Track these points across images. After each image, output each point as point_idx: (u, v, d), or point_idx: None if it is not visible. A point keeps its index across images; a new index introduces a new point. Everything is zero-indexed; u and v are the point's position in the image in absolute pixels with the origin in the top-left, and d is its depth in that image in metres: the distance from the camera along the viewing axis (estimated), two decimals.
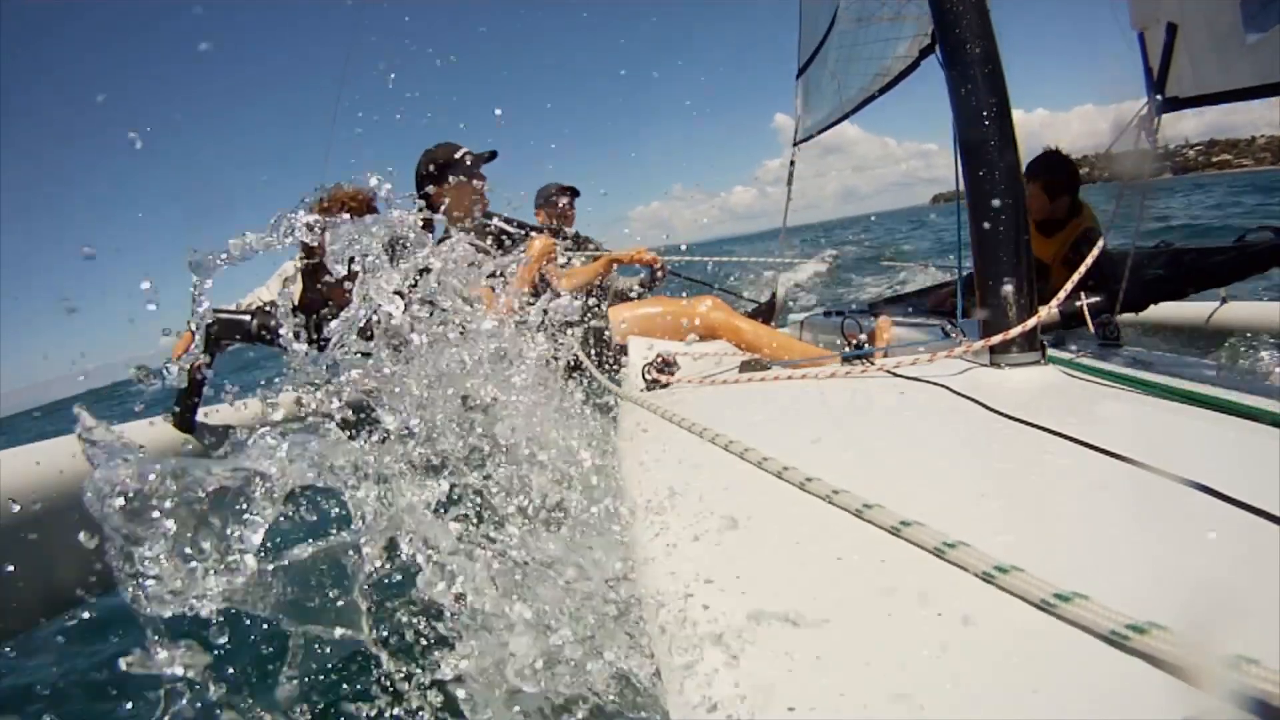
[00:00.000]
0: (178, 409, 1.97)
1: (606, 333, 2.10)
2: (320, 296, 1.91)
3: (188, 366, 1.87)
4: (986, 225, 1.01)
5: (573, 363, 1.88)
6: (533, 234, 2.79)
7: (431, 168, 2.28)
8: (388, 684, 1.50)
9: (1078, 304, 1.60)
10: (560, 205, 3.20)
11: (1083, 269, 1.06)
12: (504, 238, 2.39)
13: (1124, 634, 0.36)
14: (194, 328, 1.92)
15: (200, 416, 2.03)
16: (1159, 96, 2.00)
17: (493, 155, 2.37)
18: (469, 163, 2.29)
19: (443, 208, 2.29)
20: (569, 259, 2.77)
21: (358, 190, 1.78)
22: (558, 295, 2.20)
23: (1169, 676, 0.34)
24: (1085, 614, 0.38)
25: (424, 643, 1.64)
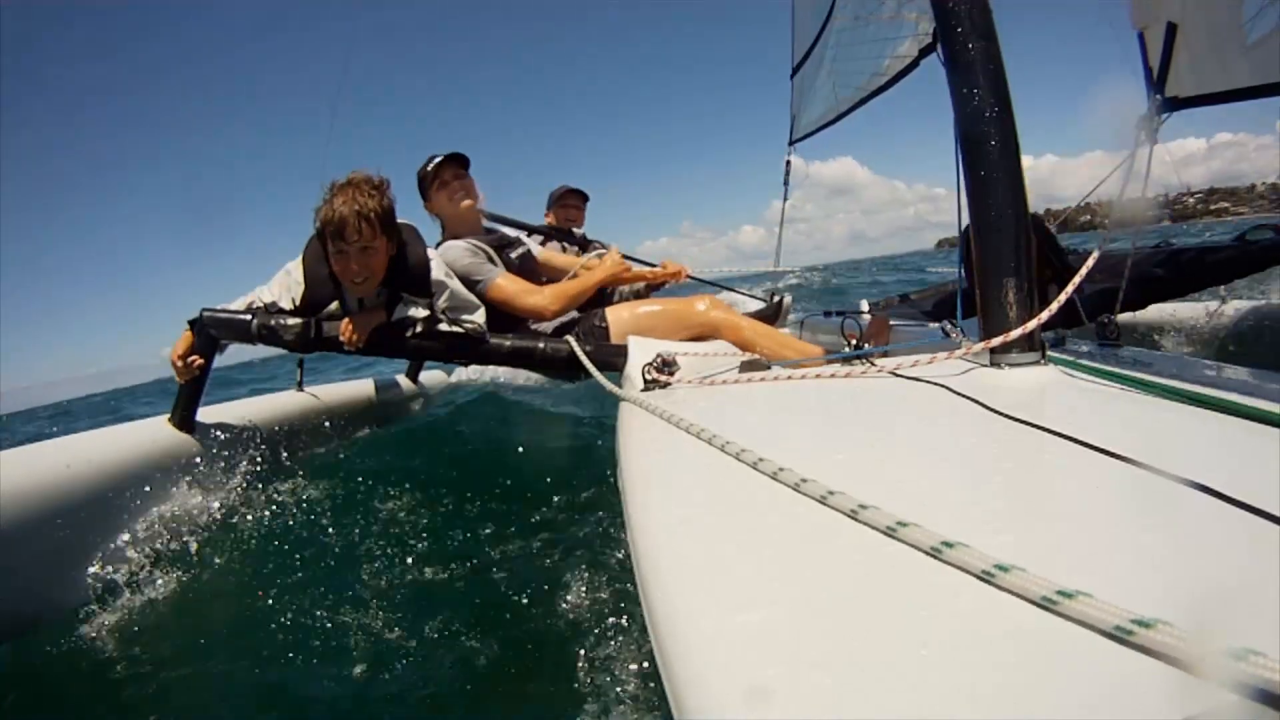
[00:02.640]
0: (178, 408, 1.97)
1: (599, 324, 2.09)
2: (325, 296, 1.92)
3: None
4: (986, 225, 1.01)
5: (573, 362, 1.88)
6: (599, 246, 2.81)
7: (420, 185, 2.32)
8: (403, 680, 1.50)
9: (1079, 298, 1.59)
10: (568, 207, 3.19)
11: (1084, 270, 1.06)
12: (504, 244, 2.39)
13: (1129, 629, 0.36)
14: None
15: (200, 416, 2.04)
16: (1159, 96, 2.00)
17: (455, 157, 2.30)
18: (435, 171, 2.28)
19: (442, 218, 2.31)
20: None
21: (368, 178, 1.79)
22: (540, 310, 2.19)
23: (1175, 671, 0.34)
24: (1089, 610, 0.38)
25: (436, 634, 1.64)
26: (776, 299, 3.81)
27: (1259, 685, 0.31)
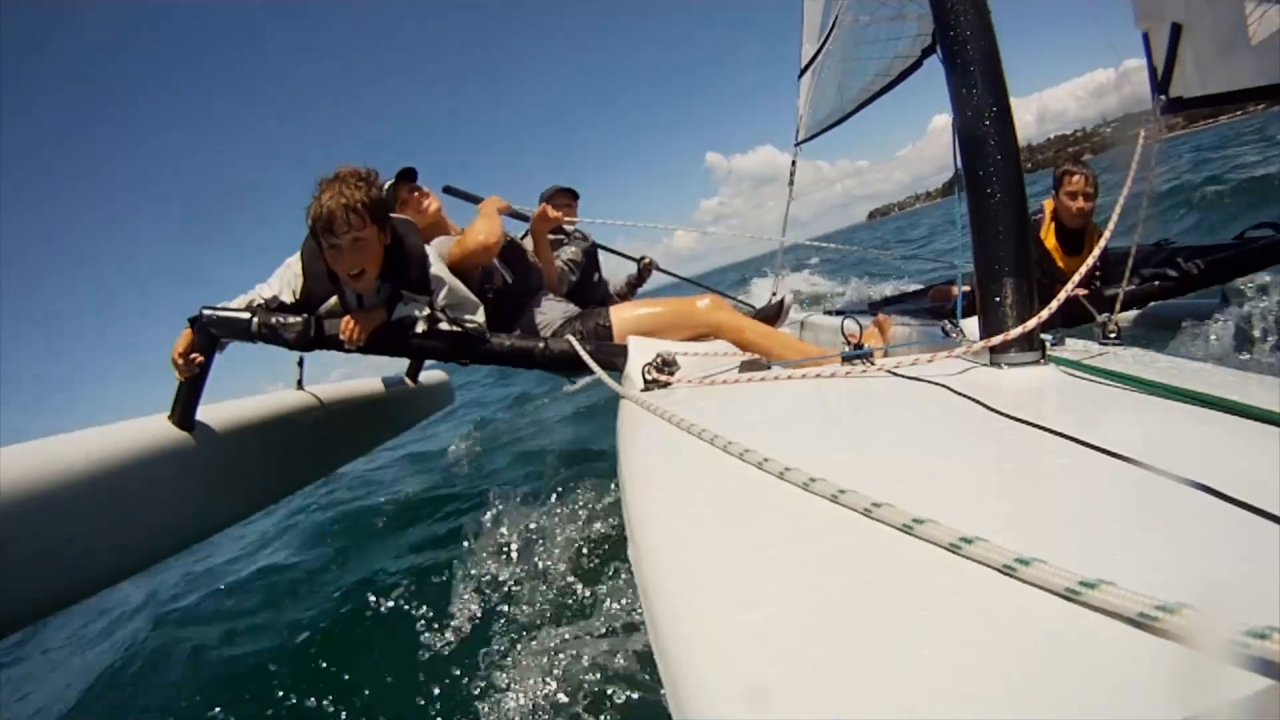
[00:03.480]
0: (177, 406, 1.97)
1: (603, 324, 2.09)
2: (323, 292, 1.92)
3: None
4: (986, 225, 1.01)
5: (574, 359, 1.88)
6: (579, 236, 2.82)
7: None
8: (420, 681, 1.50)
9: (1080, 296, 1.59)
10: (560, 207, 3.19)
11: (1086, 265, 1.06)
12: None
13: (1153, 615, 0.36)
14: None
15: (200, 414, 2.04)
16: (1163, 97, 2.00)
17: (406, 172, 2.35)
18: (391, 193, 2.28)
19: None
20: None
21: (354, 170, 1.80)
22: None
23: (1199, 655, 0.35)
24: (1112, 599, 0.38)
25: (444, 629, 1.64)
26: (778, 299, 3.80)
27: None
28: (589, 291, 2.83)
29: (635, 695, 1.36)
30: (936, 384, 0.90)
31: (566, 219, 3.05)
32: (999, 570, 0.43)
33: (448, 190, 2.62)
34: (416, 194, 2.37)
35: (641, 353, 1.38)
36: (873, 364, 1.09)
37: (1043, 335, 0.98)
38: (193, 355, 1.89)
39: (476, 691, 1.48)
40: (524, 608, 1.74)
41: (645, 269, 3.28)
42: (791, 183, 4.69)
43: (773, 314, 3.25)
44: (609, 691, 1.39)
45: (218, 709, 1.55)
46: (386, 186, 2.26)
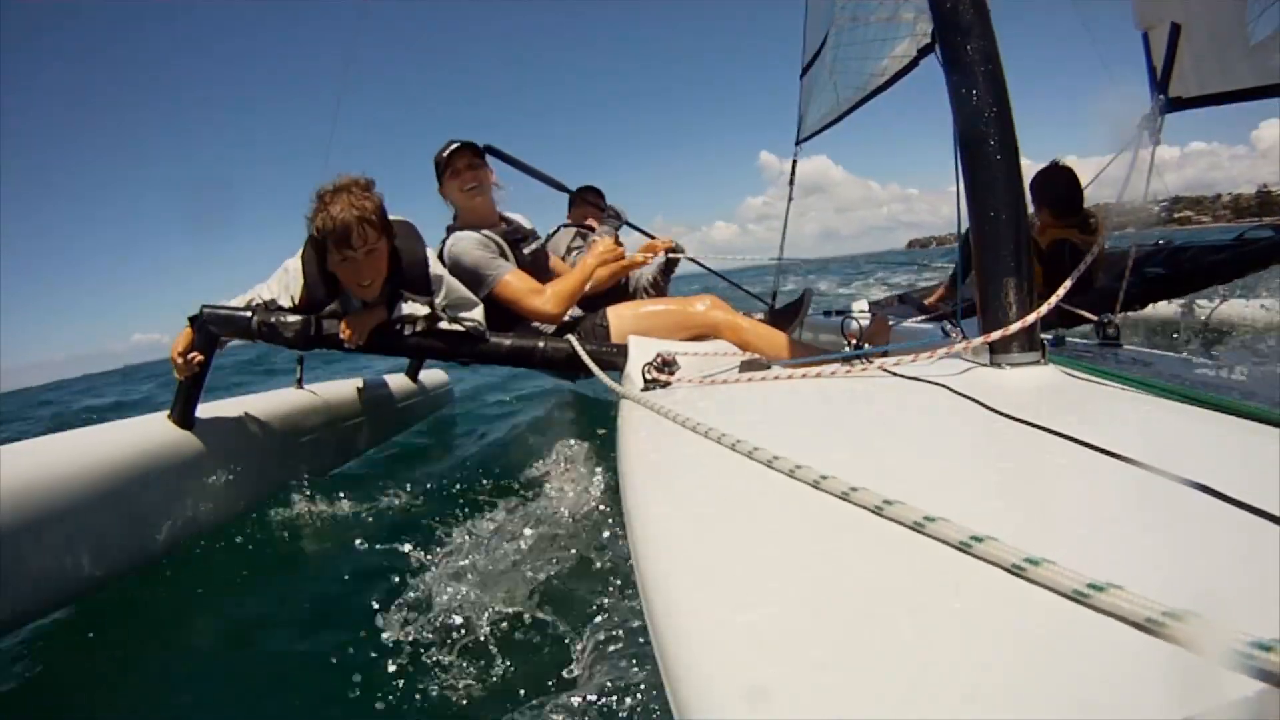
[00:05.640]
0: (177, 404, 1.97)
1: (600, 324, 2.09)
2: (323, 299, 1.91)
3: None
4: (986, 224, 1.01)
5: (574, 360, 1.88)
6: (597, 232, 2.77)
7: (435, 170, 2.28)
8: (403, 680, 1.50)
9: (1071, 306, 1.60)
10: (587, 205, 3.18)
11: (1078, 271, 1.06)
12: (518, 240, 2.34)
13: (1161, 621, 0.37)
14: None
15: (199, 412, 2.04)
16: (1162, 97, 2.00)
17: (468, 146, 2.25)
18: (448, 158, 2.24)
19: (455, 205, 2.29)
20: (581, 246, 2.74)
21: (356, 180, 1.78)
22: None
23: (1203, 662, 0.35)
24: (1121, 603, 0.38)
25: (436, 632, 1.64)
26: (797, 296, 3.78)
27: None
28: (623, 288, 2.77)
29: (640, 695, 1.36)
30: (937, 384, 0.91)
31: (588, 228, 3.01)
32: (1008, 570, 0.44)
33: (489, 150, 2.43)
34: (470, 171, 2.23)
35: (641, 352, 1.38)
36: (873, 364, 1.09)
37: (1043, 336, 0.98)
38: (192, 354, 1.89)
39: (474, 689, 1.48)
40: (521, 606, 1.74)
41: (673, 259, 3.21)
42: (792, 182, 4.68)
43: (794, 310, 3.21)
44: (613, 691, 1.38)
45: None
46: (448, 151, 2.24)
